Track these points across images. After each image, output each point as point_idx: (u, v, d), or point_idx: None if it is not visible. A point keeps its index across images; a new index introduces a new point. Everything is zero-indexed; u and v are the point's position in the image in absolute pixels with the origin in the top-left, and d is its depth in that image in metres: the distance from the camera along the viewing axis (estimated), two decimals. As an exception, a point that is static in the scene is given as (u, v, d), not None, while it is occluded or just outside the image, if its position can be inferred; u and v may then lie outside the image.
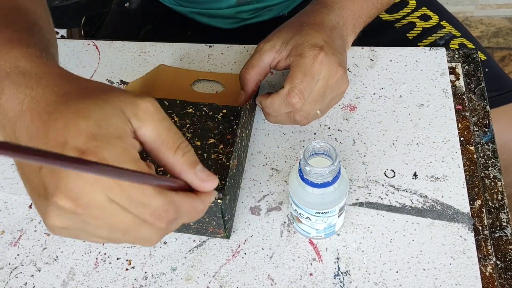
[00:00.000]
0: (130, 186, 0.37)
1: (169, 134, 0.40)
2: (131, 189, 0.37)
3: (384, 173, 0.62)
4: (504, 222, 0.58)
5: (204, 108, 0.58)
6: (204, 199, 0.42)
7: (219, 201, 0.52)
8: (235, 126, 0.57)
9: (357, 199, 0.60)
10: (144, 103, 0.39)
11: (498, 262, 0.56)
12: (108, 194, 0.36)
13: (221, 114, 0.58)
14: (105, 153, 0.36)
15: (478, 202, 0.59)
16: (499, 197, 0.60)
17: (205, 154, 0.55)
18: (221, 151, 0.55)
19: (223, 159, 0.54)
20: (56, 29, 1.53)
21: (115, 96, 0.39)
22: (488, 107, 0.67)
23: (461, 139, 0.64)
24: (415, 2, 0.88)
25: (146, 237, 0.39)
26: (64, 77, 0.41)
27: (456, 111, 0.66)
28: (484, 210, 0.59)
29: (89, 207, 0.36)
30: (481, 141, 0.64)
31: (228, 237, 0.58)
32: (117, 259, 0.57)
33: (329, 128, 0.66)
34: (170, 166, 0.41)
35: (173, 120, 0.57)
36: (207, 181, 0.41)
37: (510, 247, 0.57)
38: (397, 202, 0.60)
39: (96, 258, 0.57)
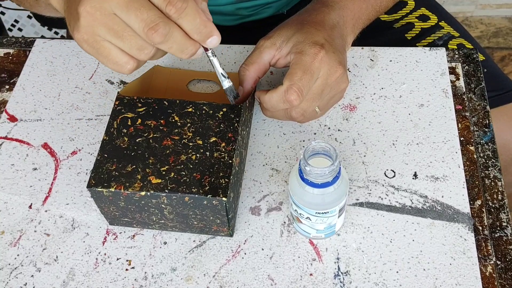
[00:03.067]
0: None
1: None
2: None
3: (384, 173, 0.62)
4: (504, 222, 0.58)
5: (204, 107, 0.58)
6: (205, 17, 0.48)
7: (223, 199, 0.52)
8: (236, 124, 0.57)
9: (357, 199, 0.60)
10: None
11: (498, 262, 0.56)
12: None
13: (221, 112, 0.58)
14: None
15: (478, 202, 0.59)
16: (499, 197, 0.60)
17: (208, 153, 0.55)
18: (223, 149, 0.55)
19: (226, 157, 0.55)
20: (56, 29, 1.53)
21: None
22: (488, 107, 0.67)
23: (461, 139, 0.64)
24: (413, 2, 0.88)
25: (154, 20, 0.45)
26: None
27: (456, 111, 0.66)
28: (484, 210, 0.59)
29: None
30: (481, 141, 0.64)
31: (231, 235, 0.58)
32: (117, 259, 0.57)
33: (329, 128, 0.66)
34: None
35: (173, 120, 0.57)
36: (206, 13, 0.49)
37: (510, 247, 0.57)
38: (397, 202, 0.60)
39: (96, 259, 0.57)
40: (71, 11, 0.49)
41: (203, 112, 0.58)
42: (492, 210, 0.59)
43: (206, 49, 0.51)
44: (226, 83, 0.57)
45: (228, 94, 0.58)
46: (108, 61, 0.49)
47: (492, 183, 0.61)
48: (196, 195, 0.52)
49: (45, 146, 0.66)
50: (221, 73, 0.56)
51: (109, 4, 0.45)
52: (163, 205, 0.54)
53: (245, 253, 0.57)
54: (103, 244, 0.58)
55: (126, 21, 0.46)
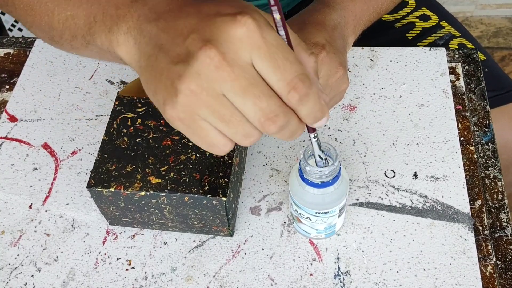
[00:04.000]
0: (276, 48, 0.38)
1: (303, 43, 0.42)
2: (277, 52, 0.38)
3: (384, 173, 0.62)
4: (504, 222, 0.58)
5: (204, 108, 0.58)
6: (324, 101, 0.42)
7: (223, 199, 0.52)
8: None
9: (357, 199, 0.60)
10: None
11: (498, 262, 0.56)
12: (254, 55, 0.38)
13: None
14: (256, 15, 0.39)
15: (478, 202, 0.59)
16: (499, 197, 0.60)
17: (207, 153, 0.55)
18: None
19: (225, 157, 0.55)
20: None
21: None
22: (488, 107, 0.67)
23: (461, 139, 0.64)
24: (414, 2, 0.88)
25: (274, 111, 0.39)
26: None
27: (456, 111, 0.66)
28: (484, 210, 0.59)
29: (234, 65, 0.37)
30: (481, 141, 0.64)
31: (231, 234, 0.58)
32: (117, 259, 0.57)
33: (329, 128, 0.66)
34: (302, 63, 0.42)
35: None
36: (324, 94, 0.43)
37: (510, 247, 0.57)
38: (397, 202, 0.59)
39: (96, 258, 0.57)
40: (161, 79, 0.41)
41: (203, 112, 0.58)
42: (492, 210, 0.59)
43: (311, 130, 0.45)
44: (321, 164, 0.50)
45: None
46: (203, 142, 0.42)
47: (492, 183, 0.61)
48: (196, 195, 0.52)
49: (45, 146, 0.66)
50: (319, 155, 0.49)
51: (221, 85, 0.38)
52: (163, 205, 0.54)
53: (245, 253, 0.57)
54: (103, 244, 0.58)
55: (238, 107, 0.39)
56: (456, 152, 0.63)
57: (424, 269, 0.55)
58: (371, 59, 0.71)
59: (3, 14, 1.44)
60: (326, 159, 0.50)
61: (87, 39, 0.48)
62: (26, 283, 0.56)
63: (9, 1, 0.53)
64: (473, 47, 0.82)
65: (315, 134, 0.46)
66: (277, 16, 0.39)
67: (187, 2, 0.41)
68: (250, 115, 0.39)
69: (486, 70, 0.82)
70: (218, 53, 0.37)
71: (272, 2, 0.38)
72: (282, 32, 0.39)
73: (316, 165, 0.49)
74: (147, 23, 0.43)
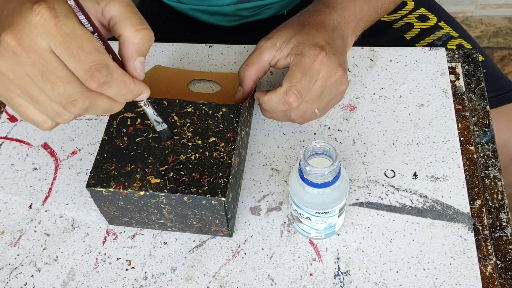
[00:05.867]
0: (70, 37, 0.39)
1: (136, 16, 0.43)
2: (71, 41, 0.39)
3: (384, 173, 0.62)
4: (504, 222, 0.58)
5: (204, 107, 0.58)
6: (133, 83, 0.43)
7: (222, 199, 0.52)
8: (235, 124, 0.57)
9: (357, 199, 0.60)
10: None
11: (498, 262, 0.56)
12: (50, 43, 0.39)
13: (220, 112, 0.58)
14: (56, 4, 0.40)
15: (478, 202, 0.59)
16: (499, 197, 0.60)
17: (207, 153, 0.55)
18: (222, 150, 0.55)
19: (225, 157, 0.55)
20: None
21: None
22: (488, 107, 0.67)
23: (461, 139, 0.64)
24: (413, 2, 0.88)
25: (72, 96, 0.40)
26: None
27: (456, 111, 0.66)
28: (484, 210, 0.59)
29: (30, 50, 0.39)
30: (481, 141, 0.64)
31: (230, 235, 0.58)
32: (117, 259, 0.57)
33: (329, 128, 0.66)
34: (123, 40, 0.43)
35: (172, 120, 0.57)
36: (136, 72, 0.44)
37: (510, 247, 0.57)
38: (397, 202, 0.60)
39: (96, 258, 0.57)
40: None
41: (203, 112, 0.58)
42: (492, 210, 0.59)
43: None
44: (160, 127, 0.53)
45: (162, 136, 0.55)
46: (25, 117, 0.44)
47: (492, 183, 0.61)
48: (195, 195, 0.52)
49: (45, 146, 0.66)
50: (155, 120, 0.52)
51: (23, 67, 0.40)
52: (162, 205, 0.54)
53: (245, 253, 0.57)
54: (103, 244, 0.58)
55: (42, 89, 0.41)
56: (456, 152, 0.63)
57: (424, 269, 0.55)
58: (371, 59, 0.71)
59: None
60: (163, 122, 0.52)
61: None
62: (26, 283, 0.56)
63: None
64: (471, 48, 0.82)
65: (144, 102, 0.48)
66: (71, 2, 0.40)
67: None
68: (52, 98, 0.41)
69: (485, 71, 0.82)
70: (14, 39, 0.39)
71: None
72: (81, 17, 0.41)
73: (156, 129, 0.53)
74: None
